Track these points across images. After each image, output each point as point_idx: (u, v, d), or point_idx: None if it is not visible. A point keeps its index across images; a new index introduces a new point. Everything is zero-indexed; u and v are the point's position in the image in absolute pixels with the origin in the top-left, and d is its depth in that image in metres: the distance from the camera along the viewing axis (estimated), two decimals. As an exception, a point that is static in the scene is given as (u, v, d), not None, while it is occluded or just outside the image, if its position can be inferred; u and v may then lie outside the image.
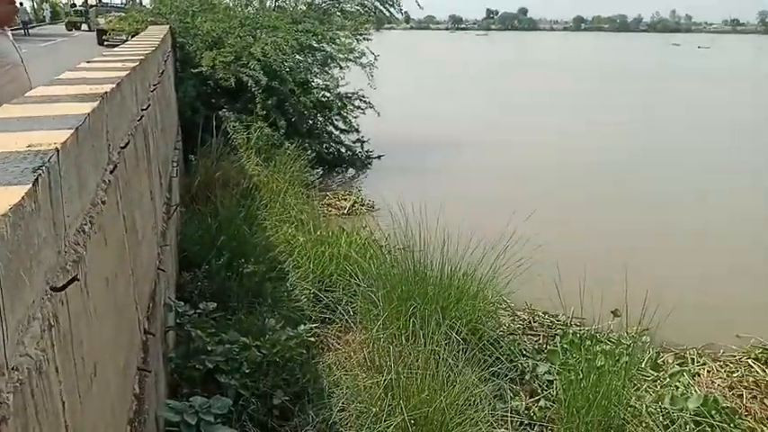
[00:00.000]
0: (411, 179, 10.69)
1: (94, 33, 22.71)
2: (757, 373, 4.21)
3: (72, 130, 1.45)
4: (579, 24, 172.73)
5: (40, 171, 1.11)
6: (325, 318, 4.35)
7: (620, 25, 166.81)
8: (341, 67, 10.94)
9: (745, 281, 6.57)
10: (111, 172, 2.00)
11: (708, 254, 7.47)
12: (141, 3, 31.87)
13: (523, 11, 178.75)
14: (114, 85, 2.28)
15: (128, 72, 2.71)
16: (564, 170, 12.14)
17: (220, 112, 8.92)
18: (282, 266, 4.73)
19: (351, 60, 10.85)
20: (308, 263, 4.90)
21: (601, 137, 15.65)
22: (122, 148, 2.32)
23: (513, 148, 13.96)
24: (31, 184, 1.03)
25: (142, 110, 3.14)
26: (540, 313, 5.05)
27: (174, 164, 5.64)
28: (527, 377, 3.90)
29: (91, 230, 1.57)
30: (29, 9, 46.43)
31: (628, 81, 32.62)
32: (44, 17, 46.56)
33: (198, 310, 3.63)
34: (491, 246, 4.42)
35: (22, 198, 0.97)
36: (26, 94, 2.09)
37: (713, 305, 5.78)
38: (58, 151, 1.25)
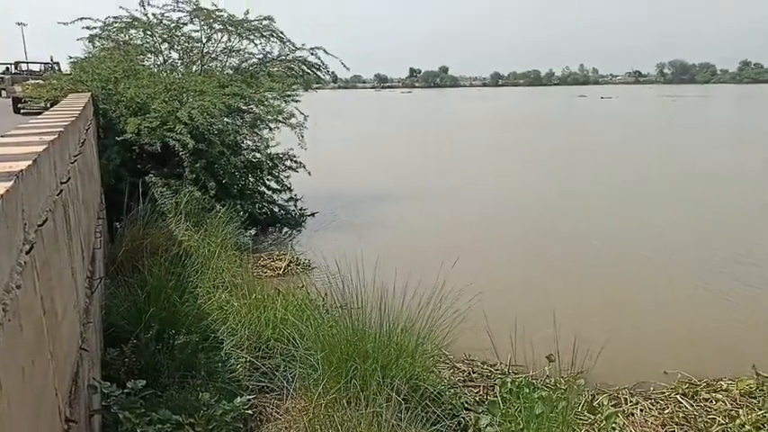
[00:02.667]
0: (345, 235, 10.75)
1: (10, 101, 21.79)
2: (686, 408, 4.39)
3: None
4: (497, 80, 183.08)
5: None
6: (263, 386, 4.20)
7: (534, 80, 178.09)
8: (270, 129, 11.04)
9: (667, 317, 6.94)
10: (28, 252, 1.91)
11: (630, 293, 7.87)
12: (59, 69, 31.09)
13: (444, 69, 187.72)
14: (30, 162, 2.20)
15: (45, 146, 2.64)
16: (489, 216, 12.66)
17: (147, 178, 8.71)
18: (216, 335, 4.56)
19: (280, 121, 10.98)
20: (244, 329, 4.76)
21: (516, 183, 16.54)
22: (40, 225, 2.23)
23: (442, 198, 14.42)
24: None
25: (61, 183, 3.04)
26: (479, 363, 5.11)
27: (98, 234, 5.42)
28: (470, 431, 3.90)
29: (5, 318, 1.48)
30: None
31: (535, 129, 35.02)
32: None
33: (126, 390, 3.42)
34: (427, 299, 4.47)
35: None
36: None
37: (640, 342, 6.06)
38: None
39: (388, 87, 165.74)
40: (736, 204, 13.36)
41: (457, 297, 4.49)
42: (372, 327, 4.34)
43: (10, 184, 1.78)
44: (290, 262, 8.39)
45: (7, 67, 32.59)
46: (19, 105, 18.49)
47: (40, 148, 2.55)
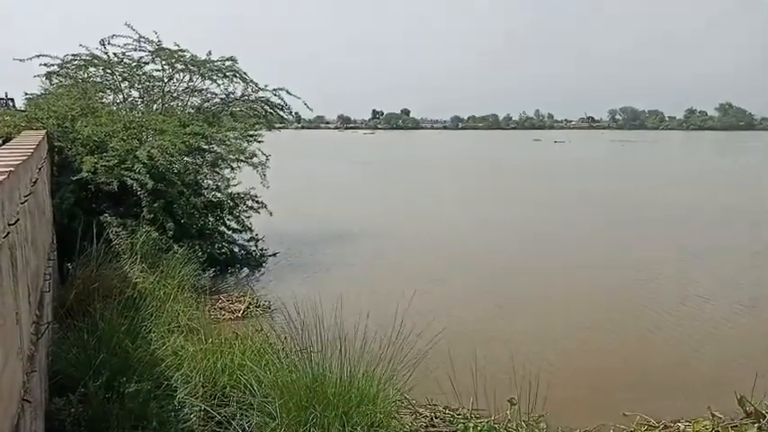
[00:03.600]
0: (305, 275, 10.65)
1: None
2: (646, 449, 4.42)
3: None
4: (457, 123, 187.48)
5: None
6: (219, 436, 4.04)
7: (493, 123, 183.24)
8: (232, 168, 10.95)
9: (625, 359, 7.05)
10: (-32, 300, 1.82)
11: (590, 332, 7.99)
12: (14, 105, 30.36)
13: (406, 111, 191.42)
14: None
15: (-6, 187, 2.55)
16: (449, 255, 12.79)
17: (102, 218, 8.45)
18: (170, 382, 4.39)
19: (242, 161, 10.92)
20: (199, 376, 4.59)
21: (478, 224, 16.86)
22: (-17, 271, 2.13)
23: (403, 238, 14.52)
24: None
25: (9, 225, 2.92)
26: (441, 408, 5.04)
27: (47, 276, 5.20)
28: (433, 479, 3.82)
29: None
30: None
31: (489, 172, 36.08)
32: None
33: (70, 443, 3.24)
34: (388, 340, 4.43)
35: None
36: None
37: (599, 383, 6.12)
38: None
39: (352, 128, 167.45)
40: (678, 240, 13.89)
41: (418, 337, 4.46)
42: (333, 372, 4.26)
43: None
44: (250, 304, 8.22)
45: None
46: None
47: (-13, 189, 2.46)
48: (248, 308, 8.12)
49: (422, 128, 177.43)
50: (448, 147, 75.61)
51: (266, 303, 8.44)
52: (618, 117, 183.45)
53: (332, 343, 4.60)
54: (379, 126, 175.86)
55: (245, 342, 5.55)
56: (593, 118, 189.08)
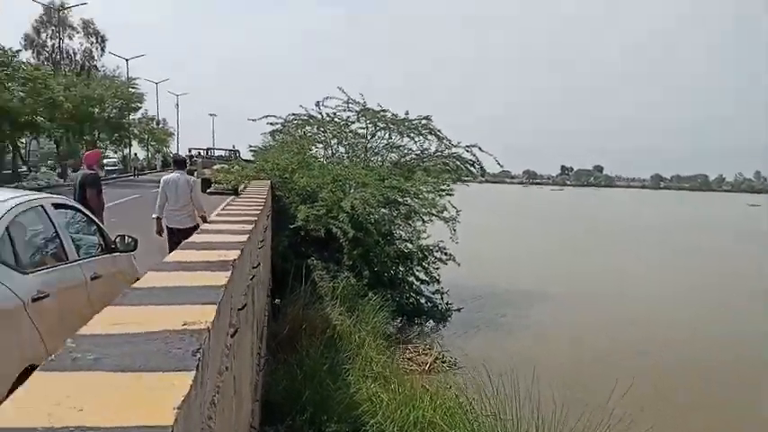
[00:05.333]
0: (492, 335, 10.40)
1: (200, 181, 24.89)
2: None
3: (215, 306, 1.54)
4: (658, 182, 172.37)
5: (199, 354, 1.17)
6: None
7: (702, 184, 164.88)
8: (423, 221, 11.27)
9: None
10: (233, 336, 2.07)
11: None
12: (240, 155, 35.53)
13: (599, 168, 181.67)
14: (240, 252, 2.45)
15: (248, 236, 2.93)
16: (658, 323, 11.49)
17: (309, 261, 9.27)
18: (366, 428, 4.53)
19: (433, 214, 11.19)
20: (392, 426, 4.67)
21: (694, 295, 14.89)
22: (240, 309, 2.43)
23: (599, 300, 13.47)
24: (195, 370, 1.08)
25: (253, 268, 3.33)
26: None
27: (266, 312, 5.81)
28: None
29: (217, 400, 1.59)
30: (141, 158, 53.09)
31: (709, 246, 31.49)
32: (155, 165, 52.62)
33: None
34: (591, 423, 4.07)
35: (191, 386, 1.01)
36: (164, 259, 2.28)
37: None
38: (209, 331, 1.32)
39: (537, 183, 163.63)
40: None
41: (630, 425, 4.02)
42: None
43: (228, 274, 1.97)
44: (436, 358, 8.22)
45: (199, 152, 37.81)
46: (208, 190, 21.22)
47: (244, 238, 2.84)
48: (434, 362, 8.13)
49: (616, 186, 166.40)
50: (652, 207, 69.19)
51: (452, 359, 8.38)
52: None
53: (526, 413, 4.37)
54: (569, 182, 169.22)
55: (434, 398, 5.54)
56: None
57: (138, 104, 37.05)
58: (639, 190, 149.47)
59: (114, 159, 42.46)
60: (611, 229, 35.08)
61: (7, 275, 2.56)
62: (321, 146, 13.37)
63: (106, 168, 37.16)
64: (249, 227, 3.29)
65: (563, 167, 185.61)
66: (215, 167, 26.58)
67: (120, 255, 4.09)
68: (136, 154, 51.09)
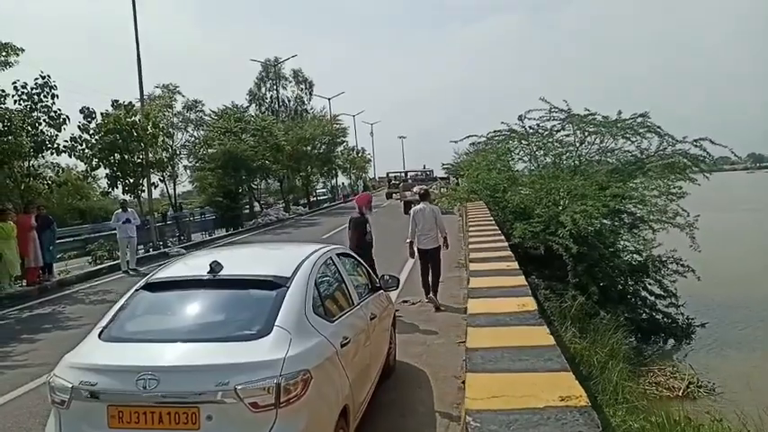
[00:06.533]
0: (749, 354, 9.05)
1: (401, 203, 26.03)
2: None
3: (569, 373, 1.54)
4: None
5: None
6: None
7: None
8: (653, 229, 10.29)
9: None
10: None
11: None
12: (433, 175, 36.66)
13: None
14: (532, 297, 2.46)
15: (522, 276, 2.94)
16: None
17: (529, 280, 9.07)
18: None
19: (664, 221, 10.16)
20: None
21: None
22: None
23: None
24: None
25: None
26: None
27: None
28: None
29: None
30: (347, 184, 57.82)
31: None
32: (358, 191, 56.79)
33: None
34: None
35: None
36: (470, 310, 2.39)
37: None
38: (590, 407, 1.32)
39: (766, 168, 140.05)
40: None
41: None
42: None
43: (545, 329, 1.98)
44: (690, 383, 7.38)
45: (397, 176, 39.77)
46: (408, 211, 22.08)
47: (522, 279, 2.86)
48: (688, 387, 7.31)
49: None
50: None
51: (710, 383, 7.46)
52: None
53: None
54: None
55: (698, 430, 4.98)
56: None
57: (343, 138, 40.44)
58: None
59: (324, 190, 46.89)
60: None
61: (322, 326, 2.93)
62: (527, 159, 13.07)
63: (318, 198, 41.19)
64: (514, 264, 3.31)
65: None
66: (414, 189, 27.71)
67: (383, 292, 4.44)
68: (343, 183, 55.88)
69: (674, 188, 10.75)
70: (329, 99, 44.46)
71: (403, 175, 38.67)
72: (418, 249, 7.63)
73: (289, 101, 46.64)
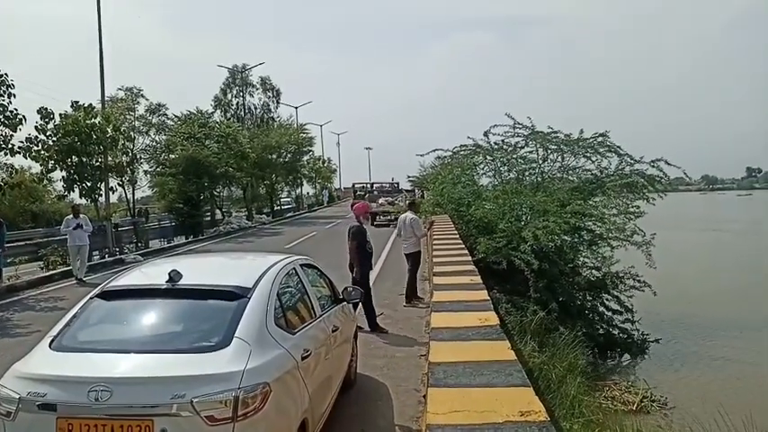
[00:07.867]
0: (702, 368, 9.34)
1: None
2: None
3: (530, 388, 1.56)
4: None
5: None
6: None
7: None
8: (611, 247, 10.54)
9: None
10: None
11: None
12: (400, 187, 36.94)
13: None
14: (493, 312, 2.49)
15: (485, 290, 2.98)
16: None
17: (490, 294, 9.16)
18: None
19: (622, 239, 10.41)
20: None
21: None
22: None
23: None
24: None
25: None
26: None
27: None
28: None
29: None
30: (311, 194, 57.64)
31: None
32: (323, 200, 56.56)
33: None
34: None
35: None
36: (433, 324, 2.39)
37: None
38: (549, 422, 1.34)
39: (719, 189, 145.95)
40: None
41: None
42: None
43: (507, 343, 2.00)
44: (644, 397, 7.56)
45: (363, 187, 39.75)
46: (374, 222, 22.19)
47: (485, 293, 2.89)
48: (642, 401, 7.49)
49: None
50: None
51: (662, 398, 7.66)
52: None
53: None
54: (757, 186, 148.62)
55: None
56: None
57: (309, 147, 40.23)
58: None
59: (289, 199, 46.52)
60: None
61: (283, 338, 2.89)
62: (492, 174, 13.25)
63: (282, 207, 40.81)
64: (477, 278, 3.34)
65: (749, 169, 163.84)
66: (380, 201, 27.82)
67: (345, 304, 4.40)
68: (308, 192, 55.57)
69: (632, 207, 11.07)
70: (296, 108, 44.29)
71: (369, 186, 38.64)
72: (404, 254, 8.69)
73: (255, 108, 46.21)
